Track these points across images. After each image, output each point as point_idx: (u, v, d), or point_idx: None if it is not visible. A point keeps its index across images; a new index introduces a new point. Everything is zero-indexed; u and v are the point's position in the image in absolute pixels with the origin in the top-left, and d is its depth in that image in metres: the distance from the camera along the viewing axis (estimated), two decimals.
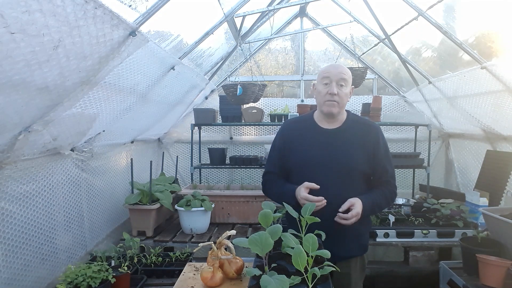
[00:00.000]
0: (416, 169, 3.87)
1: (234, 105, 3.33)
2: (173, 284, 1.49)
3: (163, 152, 3.95)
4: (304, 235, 1.27)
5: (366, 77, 3.19)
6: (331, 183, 1.71)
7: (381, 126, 3.99)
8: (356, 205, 1.67)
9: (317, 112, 1.87)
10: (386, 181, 1.83)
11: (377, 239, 2.73)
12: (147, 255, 2.36)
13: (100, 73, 1.72)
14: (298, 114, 3.68)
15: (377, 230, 2.74)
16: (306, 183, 1.68)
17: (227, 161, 3.83)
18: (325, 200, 1.63)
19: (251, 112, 3.71)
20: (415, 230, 2.74)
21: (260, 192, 2.17)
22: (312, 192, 1.69)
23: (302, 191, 1.67)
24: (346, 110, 1.87)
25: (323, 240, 1.42)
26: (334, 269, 1.15)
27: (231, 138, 4.38)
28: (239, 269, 1.43)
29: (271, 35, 3.85)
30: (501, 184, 2.86)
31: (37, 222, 1.95)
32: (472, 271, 2.15)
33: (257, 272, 1.15)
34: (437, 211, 2.98)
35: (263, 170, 2.00)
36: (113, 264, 2.11)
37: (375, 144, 1.80)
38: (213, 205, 2.92)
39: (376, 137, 1.81)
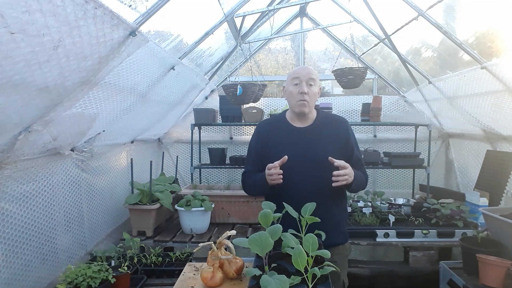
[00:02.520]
0: (416, 169, 3.88)
1: (234, 105, 3.33)
2: (173, 284, 1.49)
3: (163, 152, 3.95)
4: (304, 235, 1.28)
5: (366, 77, 3.18)
6: (309, 178, 1.81)
7: (381, 126, 4.10)
8: (348, 167, 1.74)
9: (289, 112, 1.99)
10: (359, 168, 1.93)
11: (377, 239, 2.73)
12: (147, 255, 2.36)
13: (100, 73, 1.72)
14: None
15: (377, 230, 2.74)
16: (269, 165, 1.74)
17: (227, 161, 3.83)
18: (286, 157, 1.72)
19: (251, 112, 3.71)
20: (415, 230, 2.74)
21: None
22: (289, 185, 1.77)
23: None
24: (315, 109, 1.99)
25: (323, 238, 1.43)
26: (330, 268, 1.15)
27: (231, 138, 4.38)
28: (239, 269, 1.44)
29: (271, 35, 3.85)
30: (501, 184, 2.86)
31: (37, 222, 1.95)
32: (472, 271, 2.16)
33: (257, 272, 1.15)
34: (437, 211, 2.98)
35: None
36: (113, 264, 2.11)
37: (346, 136, 1.92)
38: (213, 205, 2.92)
39: (346, 130, 1.93)
